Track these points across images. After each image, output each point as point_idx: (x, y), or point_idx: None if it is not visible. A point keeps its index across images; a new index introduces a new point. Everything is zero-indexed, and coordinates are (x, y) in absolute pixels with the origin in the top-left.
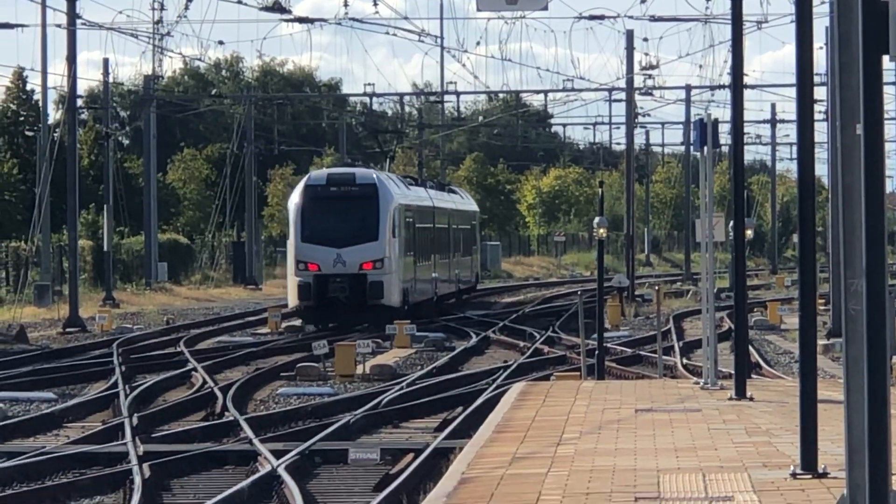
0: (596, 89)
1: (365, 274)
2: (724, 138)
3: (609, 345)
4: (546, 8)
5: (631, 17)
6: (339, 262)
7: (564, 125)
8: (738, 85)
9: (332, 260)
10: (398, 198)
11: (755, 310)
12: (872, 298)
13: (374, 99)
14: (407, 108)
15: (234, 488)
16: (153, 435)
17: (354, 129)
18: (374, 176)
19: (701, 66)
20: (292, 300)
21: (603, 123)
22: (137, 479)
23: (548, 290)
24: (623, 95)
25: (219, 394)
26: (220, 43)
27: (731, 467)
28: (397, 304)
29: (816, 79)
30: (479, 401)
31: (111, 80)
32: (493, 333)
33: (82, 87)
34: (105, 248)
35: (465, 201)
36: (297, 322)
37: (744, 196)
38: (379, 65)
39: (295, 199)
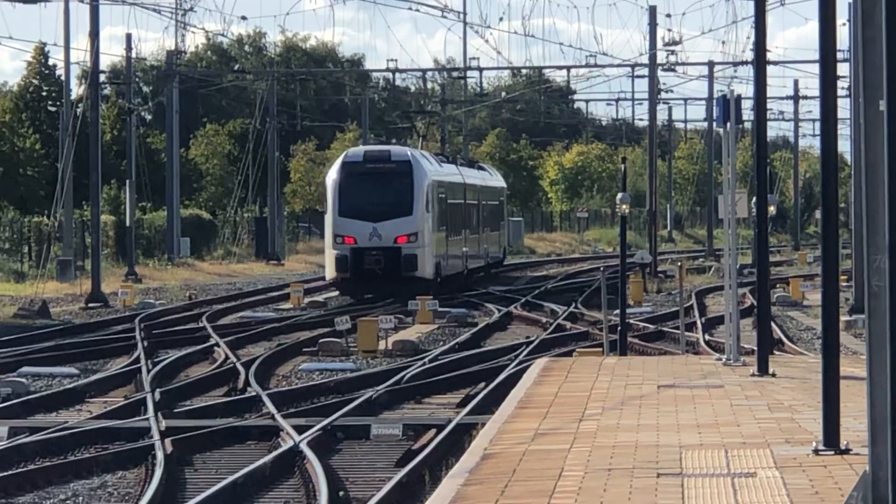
0: (619, 65)
1: (399, 247)
2: (747, 114)
3: (631, 321)
4: None
5: None
6: (375, 235)
7: (587, 101)
8: (760, 61)
9: (368, 234)
10: (431, 174)
11: (778, 286)
12: (895, 275)
13: (397, 74)
14: (429, 84)
15: (257, 463)
16: (175, 410)
17: (377, 105)
18: (409, 153)
19: (724, 43)
20: (330, 272)
21: (626, 99)
22: (160, 454)
23: (570, 266)
24: (646, 71)
25: (241, 369)
26: (243, 18)
27: (754, 443)
28: (430, 276)
29: (839, 55)
30: (502, 377)
31: (134, 55)
32: (515, 309)
33: (105, 63)
34: (127, 224)
35: (493, 178)
36: (320, 297)
37: (766, 172)
38: (403, 40)
39: (332, 175)
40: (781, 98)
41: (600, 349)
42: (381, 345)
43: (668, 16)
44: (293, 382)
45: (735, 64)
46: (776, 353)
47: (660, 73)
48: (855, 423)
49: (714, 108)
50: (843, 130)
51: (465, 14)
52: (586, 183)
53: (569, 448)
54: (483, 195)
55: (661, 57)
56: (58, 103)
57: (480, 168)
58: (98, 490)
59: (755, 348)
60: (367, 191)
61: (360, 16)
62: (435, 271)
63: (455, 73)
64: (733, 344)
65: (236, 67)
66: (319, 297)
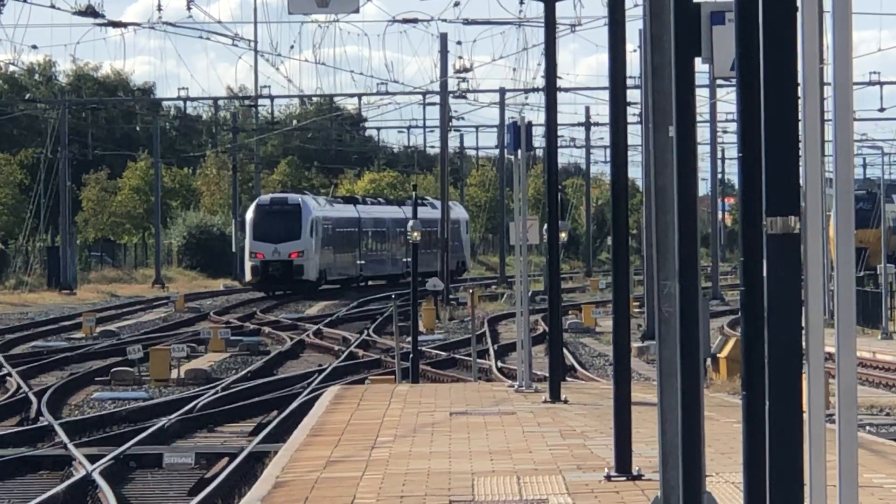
0: (410, 93)
1: (292, 260)
2: (538, 141)
3: (423, 348)
4: (357, 10)
5: (445, 21)
6: (277, 252)
7: (379, 129)
8: (551, 88)
9: (272, 251)
10: (315, 211)
11: (570, 312)
12: (685, 300)
13: (189, 103)
14: (221, 113)
15: (49, 493)
16: None
17: (168, 133)
18: (300, 199)
19: (515, 70)
20: (247, 277)
21: (417, 127)
22: None
23: (362, 294)
24: (437, 99)
25: (33, 398)
26: (34, 47)
27: (546, 470)
28: (314, 280)
29: (630, 81)
30: (294, 405)
31: None
32: (307, 337)
33: None
34: None
35: (385, 210)
36: (112, 327)
37: (558, 199)
38: (201, 70)
39: (249, 213)
40: (573, 125)
41: (392, 377)
42: (174, 373)
43: (459, 43)
44: (86, 412)
45: (526, 91)
46: (568, 379)
47: (451, 100)
48: (647, 449)
49: (505, 134)
50: (635, 157)
51: (256, 42)
52: None
53: (361, 476)
54: (376, 225)
55: (452, 84)
56: None
57: (400, 205)
58: None
59: (547, 375)
60: (272, 223)
61: (152, 44)
62: (318, 276)
63: (246, 102)
64: (525, 371)
65: (27, 97)
66: (111, 327)
